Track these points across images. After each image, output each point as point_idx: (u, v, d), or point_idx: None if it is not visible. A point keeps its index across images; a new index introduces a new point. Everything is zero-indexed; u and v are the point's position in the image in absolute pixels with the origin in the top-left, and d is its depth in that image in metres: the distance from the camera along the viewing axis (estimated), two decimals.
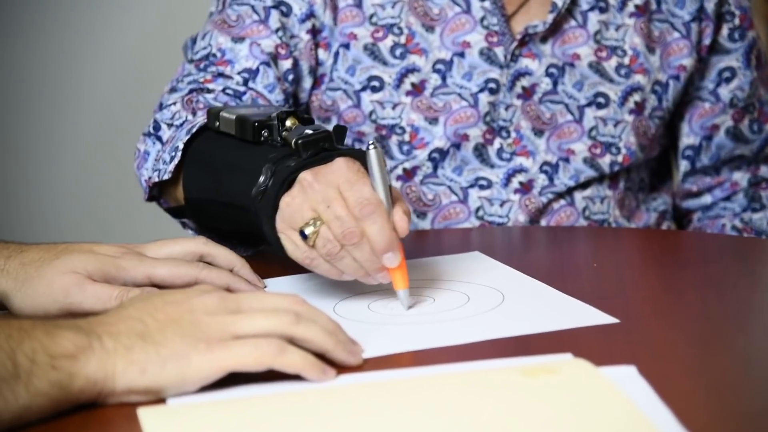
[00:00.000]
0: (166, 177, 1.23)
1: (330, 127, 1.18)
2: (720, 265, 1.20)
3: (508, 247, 1.35)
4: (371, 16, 1.42)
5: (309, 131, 1.06)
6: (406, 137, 1.43)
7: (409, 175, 1.45)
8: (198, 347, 0.82)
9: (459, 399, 0.79)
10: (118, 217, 2.57)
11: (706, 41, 1.50)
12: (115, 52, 2.53)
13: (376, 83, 1.42)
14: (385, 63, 1.42)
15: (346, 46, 1.42)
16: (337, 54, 1.43)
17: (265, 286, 1.12)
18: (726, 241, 1.38)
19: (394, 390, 0.82)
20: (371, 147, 1.01)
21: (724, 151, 1.55)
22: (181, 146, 1.21)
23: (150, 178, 1.29)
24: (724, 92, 1.53)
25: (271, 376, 0.84)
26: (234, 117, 1.14)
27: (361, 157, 1.03)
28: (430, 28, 1.42)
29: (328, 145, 1.06)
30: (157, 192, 1.31)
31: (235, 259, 1.11)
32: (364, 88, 1.43)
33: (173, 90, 1.38)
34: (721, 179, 1.58)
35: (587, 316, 0.98)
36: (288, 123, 1.10)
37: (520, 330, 0.95)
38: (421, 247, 1.32)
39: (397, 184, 1.45)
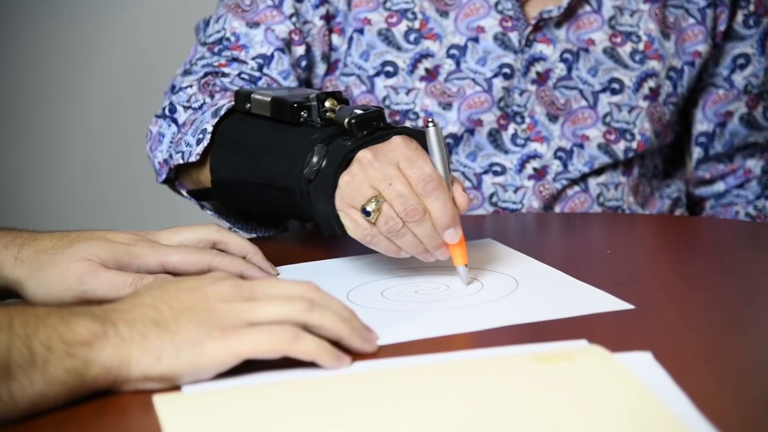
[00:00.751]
0: (193, 159, 1.22)
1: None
2: (734, 251, 1.20)
3: (522, 233, 1.35)
4: (385, 2, 1.42)
5: (359, 111, 1.06)
6: (420, 123, 1.43)
7: None
8: (212, 334, 0.82)
9: (475, 385, 0.79)
10: (125, 207, 2.57)
11: (721, 27, 1.49)
12: (123, 42, 2.53)
13: (389, 68, 1.42)
14: (399, 48, 1.42)
15: (360, 31, 1.42)
16: (351, 39, 1.42)
17: (278, 274, 1.12)
18: (740, 227, 1.38)
19: (409, 377, 0.82)
20: (431, 124, 1.02)
21: (738, 138, 1.55)
22: (210, 128, 1.21)
23: (166, 160, 1.28)
24: (738, 79, 1.52)
25: (286, 363, 0.84)
26: (269, 99, 1.14)
27: (416, 135, 1.04)
28: (444, 13, 1.42)
29: (382, 124, 1.07)
30: (173, 174, 1.30)
31: (248, 247, 1.11)
32: (377, 74, 1.43)
33: (187, 72, 1.38)
34: (735, 166, 1.58)
35: (602, 302, 0.98)
36: (327, 104, 1.10)
37: (535, 316, 0.95)
38: None
39: None
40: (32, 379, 0.77)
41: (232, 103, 1.21)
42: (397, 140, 1.02)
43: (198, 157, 1.22)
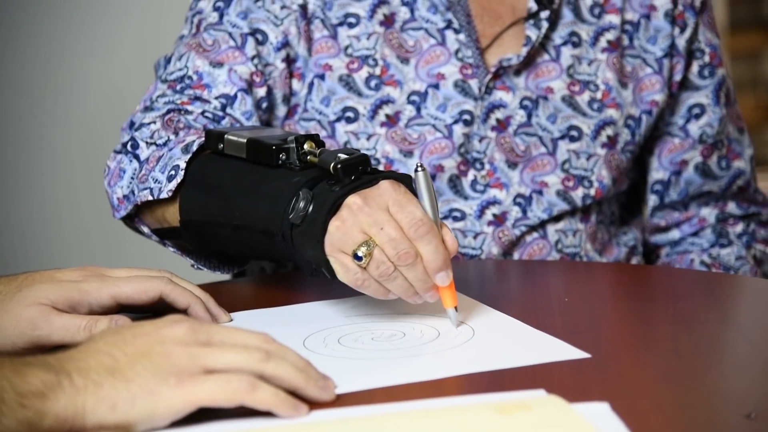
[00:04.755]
0: (164, 196, 1.21)
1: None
2: (690, 300, 1.20)
3: (479, 281, 1.35)
4: (346, 48, 1.42)
5: (344, 155, 1.07)
6: (381, 168, 1.43)
7: None
8: (168, 381, 0.81)
9: None
10: (106, 224, 2.56)
11: (677, 77, 1.51)
12: (103, 59, 2.55)
13: (350, 114, 1.42)
14: (359, 94, 1.42)
15: (321, 77, 1.42)
16: (311, 85, 1.43)
17: (231, 319, 1.12)
18: (696, 277, 1.39)
19: (367, 426, 0.82)
20: (420, 169, 1.04)
21: (693, 186, 1.56)
22: (183, 165, 1.20)
23: (126, 196, 1.27)
24: (694, 128, 1.54)
25: (242, 411, 0.83)
26: (245, 140, 1.14)
27: (403, 180, 1.06)
28: (404, 60, 1.43)
29: (369, 169, 1.08)
30: (133, 210, 1.29)
31: (200, 294, 1.10)
32: (338, 119, 1.43)
33: (148, 109, 1.37)
34: (690, 214, 1.59)
35: (559, 351, 0.98)
36: (306, 146, 1.11)
37: (492, 365, 0.95)
38: None
39: None
40: None
41: (203, 139, 1.21)
42: (385, 185, 1.04)
43: (170, 194, 1.21)
